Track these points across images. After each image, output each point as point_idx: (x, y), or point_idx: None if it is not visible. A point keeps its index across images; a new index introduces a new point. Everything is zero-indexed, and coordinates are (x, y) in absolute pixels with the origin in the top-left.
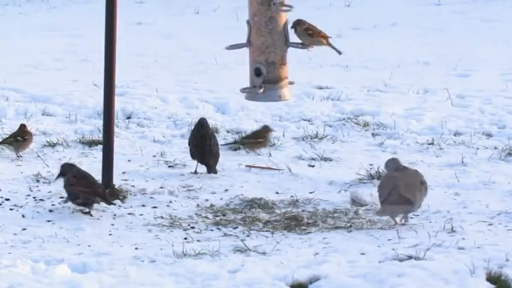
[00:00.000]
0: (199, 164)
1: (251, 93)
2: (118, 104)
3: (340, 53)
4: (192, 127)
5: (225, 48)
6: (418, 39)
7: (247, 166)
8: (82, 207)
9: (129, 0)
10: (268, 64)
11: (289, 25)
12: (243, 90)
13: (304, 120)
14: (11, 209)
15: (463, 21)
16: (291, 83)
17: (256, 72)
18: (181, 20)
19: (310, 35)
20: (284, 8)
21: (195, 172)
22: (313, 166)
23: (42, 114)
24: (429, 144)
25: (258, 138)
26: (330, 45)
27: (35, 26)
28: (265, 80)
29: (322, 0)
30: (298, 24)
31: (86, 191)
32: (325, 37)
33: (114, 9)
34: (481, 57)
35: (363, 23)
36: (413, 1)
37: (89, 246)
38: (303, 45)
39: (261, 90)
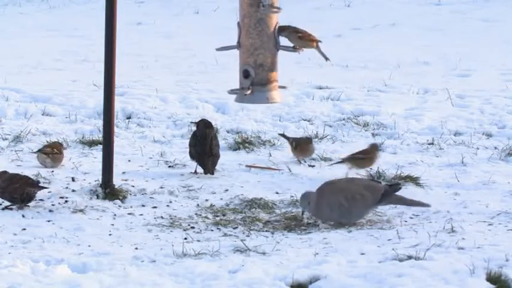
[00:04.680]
0: (198, 164)
1: (239, 94)
2: (118, 104)
3: (327, 59)
4: (192, 127)
5: (215, 49)
6: (418, 39)
7: (247, 166)
8: (21, 203)
9: (129, 0)
10: (256, 66)
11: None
12: (231, 91)
13: (304, 120)
14: (11, 209)
15: (463, 21)
16: (282, 87)
17: (245, 74)
18: (181, 20)
19: (301, 37)
20: (274, 9)
21: (195, 172)
22: (313, 166)
23: (42, 114)
24: (429, 144)
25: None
26: (318, 49)
27: (35, 26)
28: (254, 82)
29: (322, 0)
30: (284, 28)
31: (18, 186)
32: (315, 41)
33: (114, 9)
34: (481, 57)
35: (363, 23)
36: (413, 1)
37: (89, 246)
38: (294, 48)
39: (248, 92)
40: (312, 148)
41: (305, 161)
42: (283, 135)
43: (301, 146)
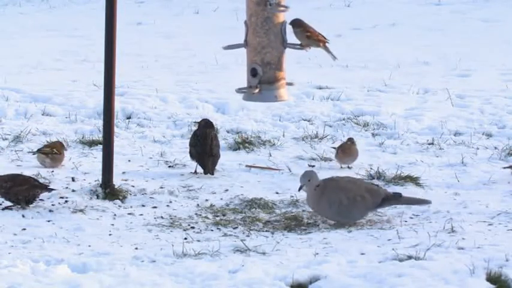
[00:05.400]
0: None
1: (247, 93)
2: (118, 104)
3: (334, 58)
4: (193, 127)
5: (222, 48)
6: (418, 39)
7: (247, 166)
8: (21, 204)
9: (129, 0)
10: (264, 64)
11: (287, 25)
12: (239, 90)
13: (304, 120)
14: (10, 209)
15: (463, 21)
16: (289, 84)
17: (252, 73)
18: (181, 20)
19: (308, 36)
20: (281, 8)
21: (195, 172)
22: (313, 166)
23: (42, 114)
24: (429, 144)
25: None
26: (326, 49)
27: (35, 26)
28: (261, 81)
29: (322, 0)
30: (294, 24)
31: (25, 188)
32: (323, 41)
33: (114, 9)
34: (481, 57)
35: (363, 23)
36: (413, 1)
37: (89, 246)
38: (301, 46)
39: (256, 91)
40: (355, 150)
41: (349, 167)
42: (334, 147)
43: (343, 149)
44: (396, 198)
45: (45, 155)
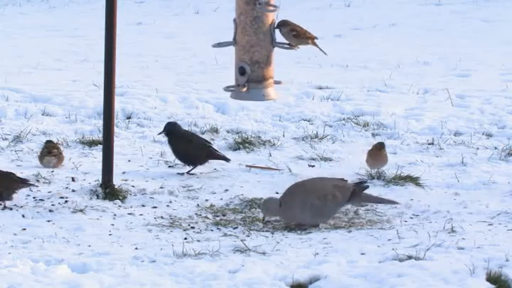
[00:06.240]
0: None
1: (235, 91)
2: (118, 104)
3: (325, 53)
4: (193, 127)
5: (212, 46)
6: (418, 39)
7: (247, 166)
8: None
9: (129, 0)
10: (252, 63)
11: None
12: (227, 88)
13: (304, 120)
14: (10, 209)
15: (463, 21)
16: (277, 82)
17: (241, 71)
18: (181, 20)
19: (295, 35)
20: (270, 8)
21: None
22: (313, 166)
23: (42, 114)
24: (429, 144)
25: None
26: (315, 45)
27: (35, 26)
28: (250, 79)
29: (322, 0)
30: (282, 25)
31: (6, 184)
32: (311, 37)
33: (114, 9)
34: (481, 57)
35: (363, 23)
36: (413, 1)
37: (89, 246)
38: (290, 46)
39: (244, 89)
40: (384, 154)
41: (379, 173)
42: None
43: (373, 153)
44: (363, 189)
45: (54, 156)
